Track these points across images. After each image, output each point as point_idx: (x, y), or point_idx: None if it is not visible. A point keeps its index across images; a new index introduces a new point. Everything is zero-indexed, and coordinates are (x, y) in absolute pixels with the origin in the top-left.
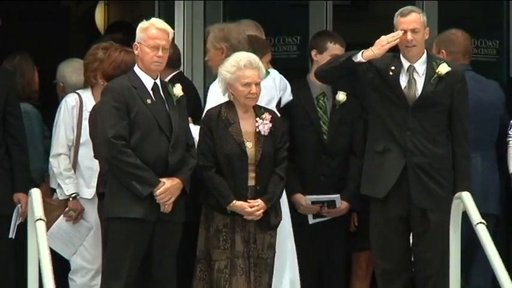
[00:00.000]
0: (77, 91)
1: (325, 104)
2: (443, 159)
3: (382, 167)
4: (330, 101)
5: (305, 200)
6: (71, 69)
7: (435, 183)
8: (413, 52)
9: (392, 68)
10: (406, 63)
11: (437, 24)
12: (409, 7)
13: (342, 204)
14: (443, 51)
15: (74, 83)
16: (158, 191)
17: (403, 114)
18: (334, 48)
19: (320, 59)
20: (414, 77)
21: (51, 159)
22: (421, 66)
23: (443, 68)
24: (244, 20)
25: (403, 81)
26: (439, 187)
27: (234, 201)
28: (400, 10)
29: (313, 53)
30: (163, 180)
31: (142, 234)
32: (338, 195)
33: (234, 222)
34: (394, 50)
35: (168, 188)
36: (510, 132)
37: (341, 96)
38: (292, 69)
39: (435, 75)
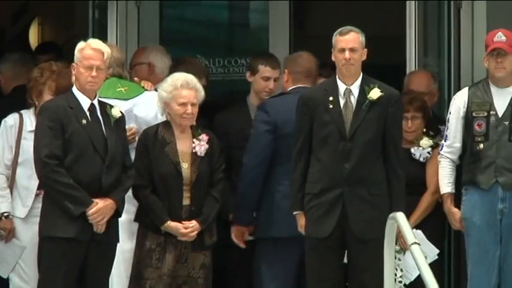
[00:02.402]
0: (21, 111)
1: None
2: (380, 185)
3: (321, 208)
4: None
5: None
6: None
7: (374, 209)
8: (351, 71)
9: (331, 98)
10: (342, 86)
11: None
12: (348, 27)
13: None
14: (285, 70)
15: None
16: (90, 211)
17: (341, 144)
18: (265, 71)
19: (253, 80)
20: (351, 100)
21: None
22: (356, 89)
23: (374, 93)
24: (156, 46)
25: (342, 104)
26: (378, 212)
27: (169, 222)
28: (339, 29)
29: (247, 74)
30: (96, 200)
31: (75, 254)
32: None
33: (167, 241)
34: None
35: (100, 208)
36: (441, 152)
37: None
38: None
39: (367, 101)
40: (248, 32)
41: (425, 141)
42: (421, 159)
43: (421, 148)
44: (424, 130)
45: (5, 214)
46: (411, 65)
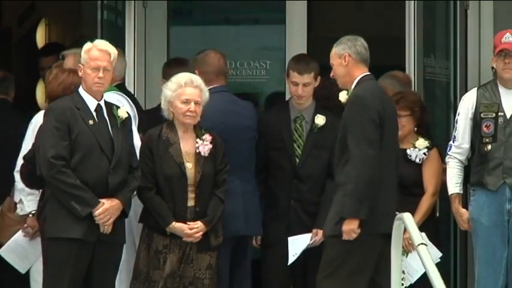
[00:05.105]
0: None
1: (302, 127)
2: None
3: None
4: (310, 124)
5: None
6: None
7: None
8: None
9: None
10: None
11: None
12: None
13: (317, 235)
14: (196, 71)
15: None
16: (97, 212)
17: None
18: (293, 76)
19: (288, 83)
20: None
21: (15, 174)
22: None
23: (319, 120)
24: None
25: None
26: None
27: (174, 223)
28: None
29: (286, 76)
30: (102, 200)
31: (82, 255)
32: (309, 235)
33: (173, 242)
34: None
35: (107, 209)
36: (449, 153)
37: (319, 119)
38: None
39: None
40: (263, 32)
41: (421, 142)
42: (417, 160)
43: (416, 149)
44: (415, 129)
45: (33, 212)
46: (410, 65)
